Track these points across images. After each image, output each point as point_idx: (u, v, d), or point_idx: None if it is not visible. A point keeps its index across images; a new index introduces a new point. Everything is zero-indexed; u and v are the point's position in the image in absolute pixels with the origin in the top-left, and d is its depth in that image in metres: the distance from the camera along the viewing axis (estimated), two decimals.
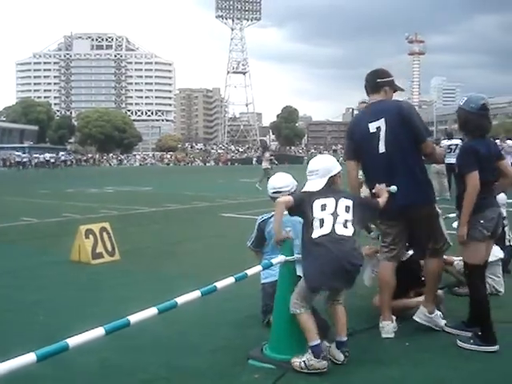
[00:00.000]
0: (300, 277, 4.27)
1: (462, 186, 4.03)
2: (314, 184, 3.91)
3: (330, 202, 3.78)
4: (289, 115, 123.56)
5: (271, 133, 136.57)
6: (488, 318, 3.98)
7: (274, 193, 4.60)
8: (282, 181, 4.65)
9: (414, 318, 4.36)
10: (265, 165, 21.56)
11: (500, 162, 4.15)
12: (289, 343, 3.68)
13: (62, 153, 73.85)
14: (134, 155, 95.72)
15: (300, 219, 4.67)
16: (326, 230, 3.66)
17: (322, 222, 3.69)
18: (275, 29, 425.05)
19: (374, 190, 4.24)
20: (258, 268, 3.61)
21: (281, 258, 3.64)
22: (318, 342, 3.58)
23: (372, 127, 4.24)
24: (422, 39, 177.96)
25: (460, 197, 4.07)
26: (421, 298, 4.52)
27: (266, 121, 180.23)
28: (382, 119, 4.20)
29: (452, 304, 4.93)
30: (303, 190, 3.97)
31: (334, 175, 3.95)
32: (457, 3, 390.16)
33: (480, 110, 4.02)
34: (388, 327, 4.22)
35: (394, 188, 4.11)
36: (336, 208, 3.75)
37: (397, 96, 4.69)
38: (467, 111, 4.03)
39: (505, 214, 5.56)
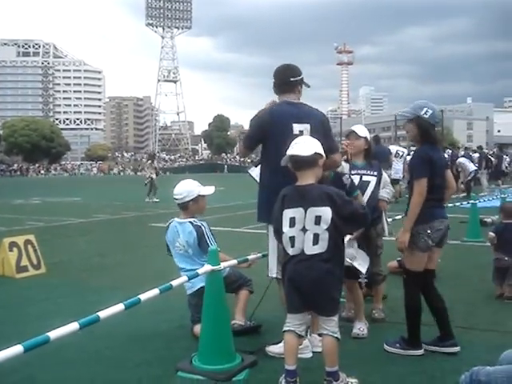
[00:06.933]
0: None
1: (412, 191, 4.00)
2: None
3: None
4: (220, 124, 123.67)
5: (203, 141, 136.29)
6: (418, 324, 4.04)
7: (175, 199, 4.67)
8: (176, 189, 4.67)
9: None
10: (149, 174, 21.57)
11: (446, 171, 4.20)
12: (217, 353, 3.64)
13: None
14: (62, 165, 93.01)
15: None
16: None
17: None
18: (207, 38, 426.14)
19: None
20: (184, 278, 3.58)
21: (207, 267, 3.60)
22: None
23: (295, 129, 3.95)
24: (351, 49, 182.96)
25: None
26: None
27: (197, 129, 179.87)
28: (307, 124, 3.96)
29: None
30: None
31: None
32: (385, 15, 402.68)
33: (437, 123, 4.24)
34: None
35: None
36: None
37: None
38: (430, 124, 4.07)
39: None
